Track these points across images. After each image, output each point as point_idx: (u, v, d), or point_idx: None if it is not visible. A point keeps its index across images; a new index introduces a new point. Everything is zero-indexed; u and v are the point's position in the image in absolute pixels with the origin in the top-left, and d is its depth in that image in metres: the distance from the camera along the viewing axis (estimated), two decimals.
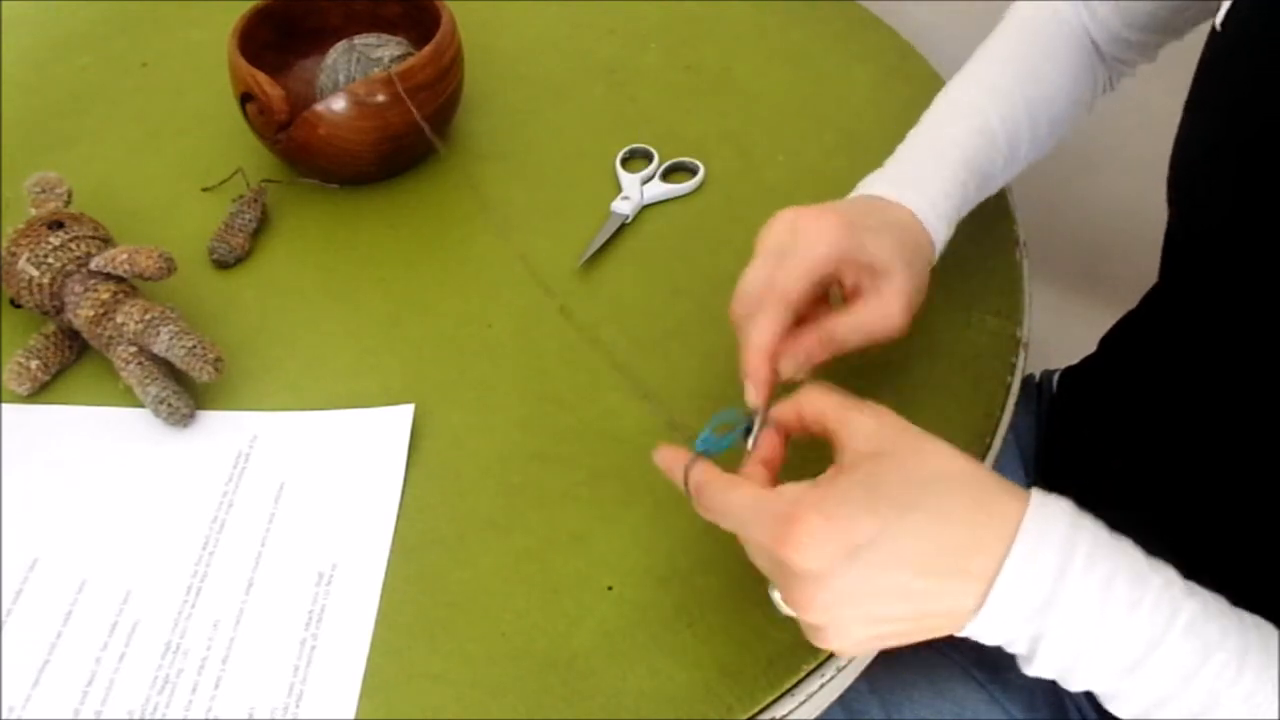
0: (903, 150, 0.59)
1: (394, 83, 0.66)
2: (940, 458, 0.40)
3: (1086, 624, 0.38)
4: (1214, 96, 0.50)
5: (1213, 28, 0.50)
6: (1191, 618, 0.38)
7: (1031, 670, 0.40)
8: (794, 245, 0.49)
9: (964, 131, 0.58)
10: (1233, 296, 0.50)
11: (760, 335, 0.48)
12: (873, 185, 0.56)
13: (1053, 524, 0.38)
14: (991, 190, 0.60)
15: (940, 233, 0.55)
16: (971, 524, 0.38)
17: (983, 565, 0.38)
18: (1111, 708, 0.40)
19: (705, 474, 0.43)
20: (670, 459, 0.45)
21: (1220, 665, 0.37)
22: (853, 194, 0.57)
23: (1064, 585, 0.38)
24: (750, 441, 0.46)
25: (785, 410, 0.45)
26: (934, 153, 0.57)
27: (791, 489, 0.40)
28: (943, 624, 0.39)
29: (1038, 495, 0.39)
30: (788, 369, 0.49)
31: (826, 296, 0.52)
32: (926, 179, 0.56)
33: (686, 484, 0.43)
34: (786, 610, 0.41)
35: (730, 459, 0.45)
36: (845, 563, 0.38)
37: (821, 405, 0.43)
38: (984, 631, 0.39)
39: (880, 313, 0.50)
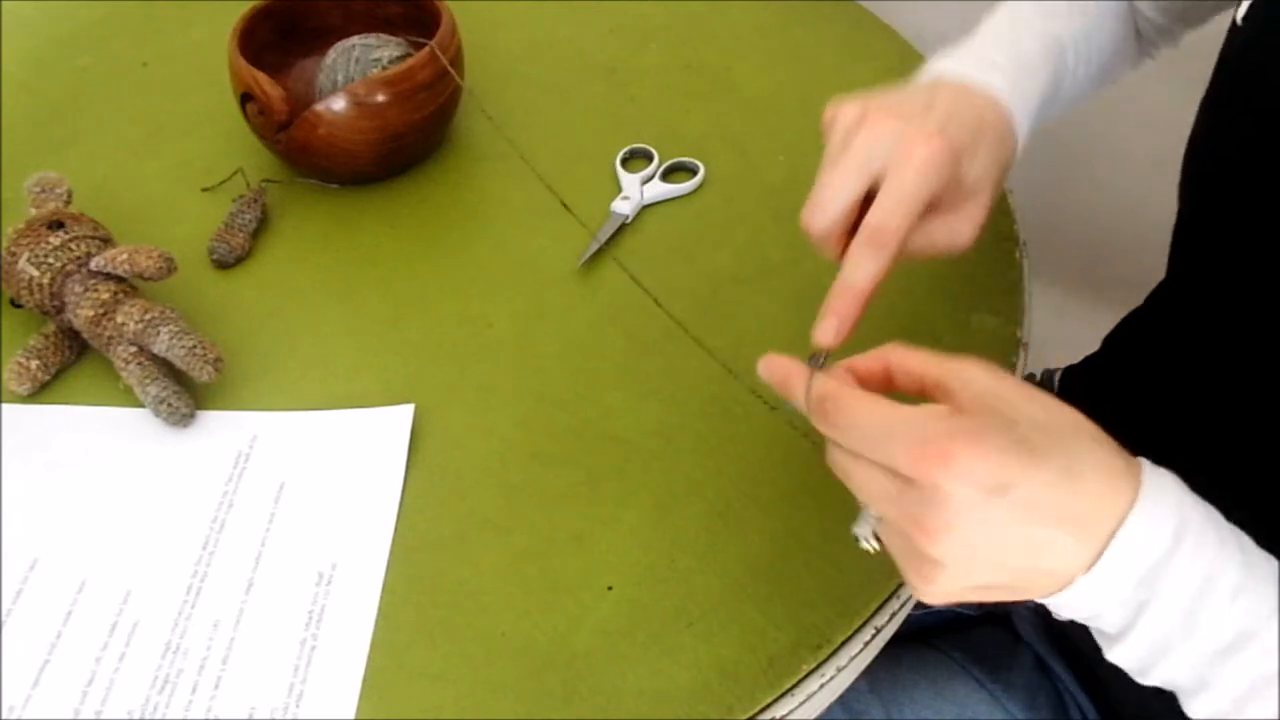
0: (989, 37, 0.56)
1: (394, 83, 0.66)
2: (1060, 409, 0.38)
3: (1192, 598, 0.36)
4: (1233, 92, 0.50)
5: (1233, 22, 0.50)
6: None
7: (1117, 651, 0.38)
8: (898, 171, 0.45)
9: (1043, 43, 0.55)
10: (1243, 292, 0.50)
11: (862, 278, 0.44)
12: (970, 68, 0.52)
13: (1168, 493, 0.37)
14: (1056, 108, 0.58)
15: (1024, 123, 0.52)
16: (1098, 480, 0.36)
17: (1103, 523, 0.36)
18: (1192, 707, 0.38)
19: (832, 386, 0.39)
20: (783, 370, 0.41)
21: None
22: (942, 71, 0.53)
23: (1178, 553, 0.36)
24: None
25: (864, 364, 0.42)
26: (1020, 53, 0.54)
27: (935, 413, 0.36)
28: (1047, 583, 0.38)
29: (1148, 463, 0.38)
30: (824, 338, 0.45)
31: None
32: (1022, 79, 0.52)
33: (807, 396, 0.40)
34: (869, 545, 0.39)
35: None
36: (990, 499, 0.35)
37: (918, 360, 0.40)
38: (1086, 594, 0.37)
39: (951, 229, 0.48)
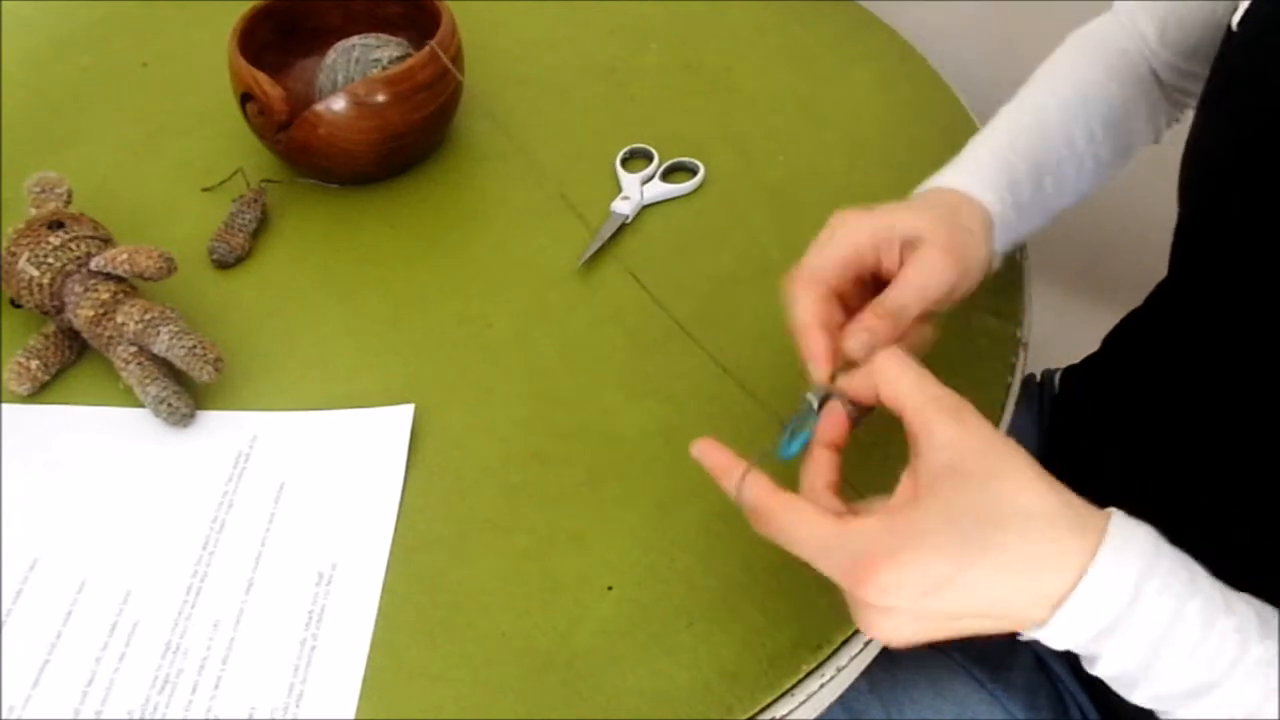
0: (958, 159, 0.59)
1: (394, 83, 0.66)
2: (1022, 489, 0.38)
3: (1143, 656, 0.38)
4: (1229, 95, 0.50)
5: (1228, 27, 0.50)
6: (1256, 661, 0.37)
7: (1091, 670, 0.41)
8: (829, 238, 0.50)
9: (1008, 118, 0.58)
10: (1243, 293, 0.50)
11: (800, 313, 0.47)
12: (943, 179, 0.56)
13: (1129, 558, 0.38)
14: (1058, 182, 0.59)
15: (986, 194, 0.54)
16: (1047, 565, 0.38)
17: (1050, 594, 0.38)
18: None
19: (761, 494, 0.41)
20: (715, 463, 0.43)
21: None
22: (921, 188, 0.57)
23: (1128, 619, 0.38)
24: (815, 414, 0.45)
25: (858, 384, 0.44)
26: (979, 140, 0.58)
27: (861, 528, 0.38)
28: (1005, 629, 0.39)
29: (1118, 526, 0.38)
30: (854, 348, 0.47)
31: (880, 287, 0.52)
32: (964, 157, 0.56)
33: (739, 498, 0.42)
34: None
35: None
36: (918, 601, 0.37)
37: (899, 400, 0.41)
38: (1048, 639, 0.39)
39: (925, 267, 0.49)
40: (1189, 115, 0.64)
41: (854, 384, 0.44)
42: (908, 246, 0.50)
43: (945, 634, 0.39)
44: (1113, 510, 0.39)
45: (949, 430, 0.39)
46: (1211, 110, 0.52)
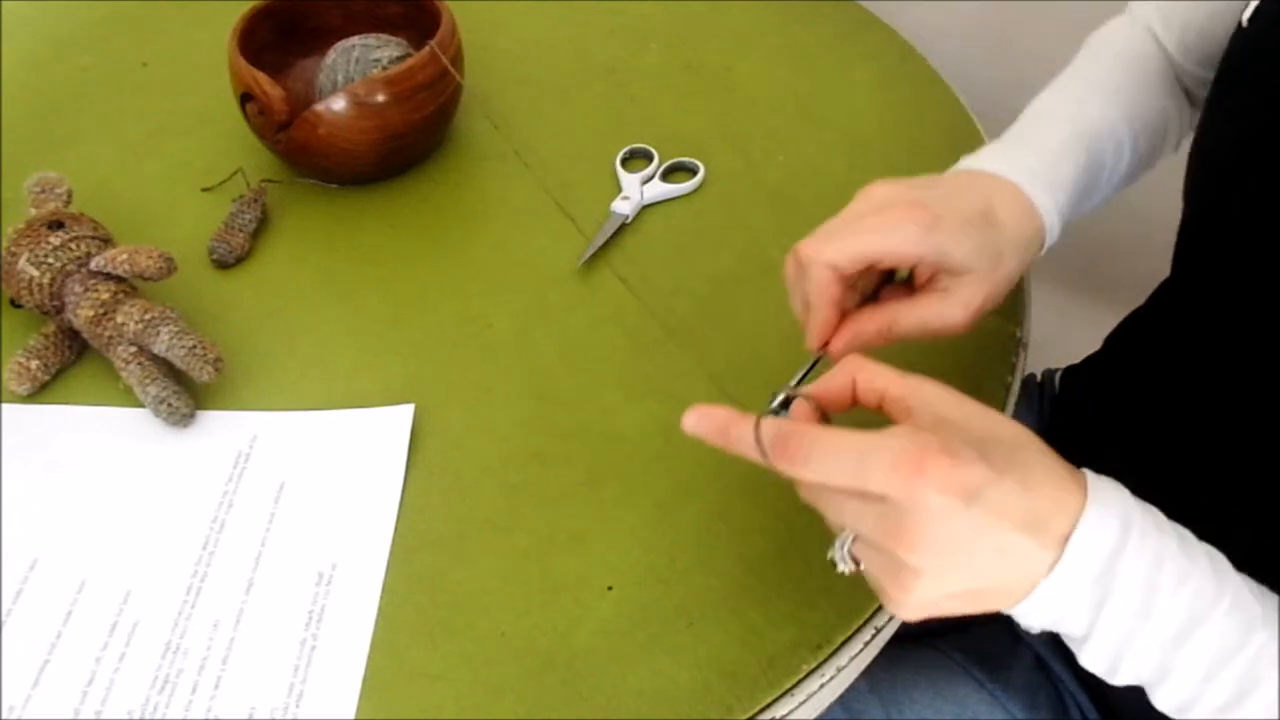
0: (1014, 134, 0.57)
1: (394, 83, 0.66)
2: (1009, 425, 0.40)
3: (1143, 589, 0.38)
4: (1238, 93, 0.50)
5: (1238, 25, 0.50)
6: (1236, 594, 0.39)
7: (1085, 654, 0.40)
8: (870, 221, 0.48)
9: (1074, 123, 0.56)
10: (1247, 293, 0.50)
11: (815, 295, 0.48)
12: (988, 160, 0.54)
13: (1112, 495, 0.39)
14: (1098, 195, 0.58)
15: (1050, 214, 0.52)
16: (1052, 488, 0.39)
17: (1059, 525, 0.38)
18: (1158, 698, 0.40)
19: (788, 423, 0.40)
20: (719, 420, 0.41)
21: (1261, 645, 0.38)
22: (959, 166, 0.55)
23: (1126, 548, 0.38)
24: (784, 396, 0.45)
25: (831, 385, 0.43)
26: (1047, 136, 0.56)
27: (900, 431, 0.38)
28: (1015, 588, 0.39)
29: (1090, 472, 0.40)
30: (837, 347, 0.48)
31: (893, 273, 0.52)
32: (1041, 158, 0.54)
33: (758, 441, 0.40)
34: (846, 566, 0.41)
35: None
36: (965, 505, 0.36)
37: (880, 378, 0.41)
38: (1049, 598, 0.39)
39: (941, 312, 0.49)
40: None
41: (826, 386, 0.43)
42: (944, 271, 0.49)
43: (969, 572, 0.38)
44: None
45: (934, 390, 0.40)
46: (1218, 108, 0.52)
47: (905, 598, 0.39)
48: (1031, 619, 0.40)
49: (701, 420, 0.42)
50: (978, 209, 0.50)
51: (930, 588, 0.38)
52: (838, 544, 0.41)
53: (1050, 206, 0.52)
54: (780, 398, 0.45)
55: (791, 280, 0.50)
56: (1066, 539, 0.38)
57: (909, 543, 0.37)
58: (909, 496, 0.36)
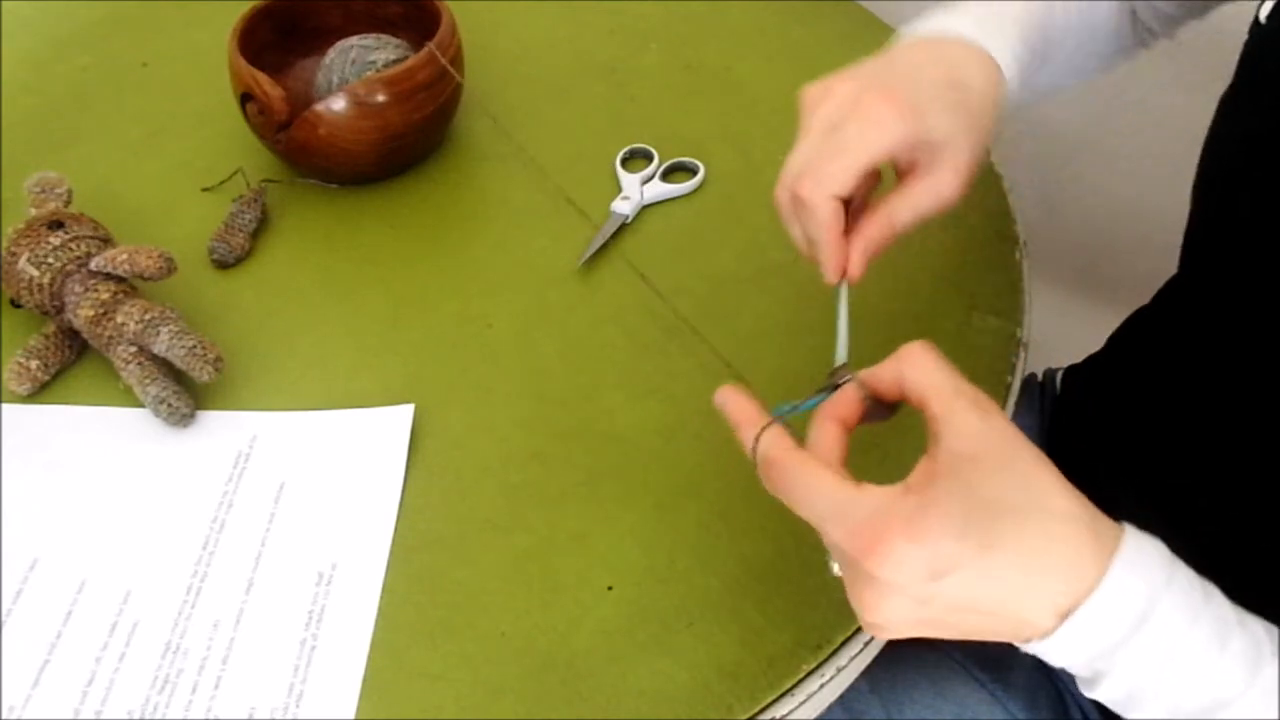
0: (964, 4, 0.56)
1: (394, 83, 0.66)
2: (1044, 486, 0.37)
3: (1153, 674, 0.37)
4: (1256, 90, 0.50)
5: (1255, 20, 0.49)
6: (1268, 682, 0.36)
7: (1090, 693, 0.39)
8: (853, 130, 0.46)
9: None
10: (1256, 292, 0.50)
11: (821, 229, 0.46)
12: (936, 22, 0.53)
13: (1138, 573, 0.36)
14: (1047, 65, 0.57)
15: (1010, 69, 0.51)
16: (1062, 567, 0.36)
17: (1058, 602, 0.36)
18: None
19: (778, 449, 0.39)
20: (738, 412, 0.41)
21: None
22: (911, 31, 0.54)
23: (1138, 636, 0.36)
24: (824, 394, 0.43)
25: (883, 374, 0.41)
26: (994, 5, 0.55)
27: (877, 495, 0.36)
28: (1005, 637, 0.38)
29: (1132, 540, 0.37)
30: (856, 271, 0.47)
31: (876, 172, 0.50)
32: (995, 21, 0.53)
33: (754, 451, 0.40)
34: (838, 571, 0.40)
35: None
36: (924, 584, 0.36)
37: (925, 386, 0.39)
38: (1041, 653, 0.38)
39: (934, 189, 0.48)
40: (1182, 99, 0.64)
41: (878, 374, 0.41)
42: (925, 149, 0.48)
43: (943, 630, 0.37)
44: (1126, 525, 0.38)
45: (973, 420, 0.37)
46: (1233, 106, 0.51)
47: (873, 631, 0.38)
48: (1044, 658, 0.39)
49: (728, 403, 0.42)
50: (946, 79, 0.49)
51: (895, 633, 0.38)
52: (828, 559, 0.40)
53: (1010, 61, 0.52)
54: (836, 379, 0.43)
55: (788, 217, 0.49)
56: (1066, 616, 0.36)
57: (866, 605, 0.37)
58: (861, 565, 0.36)
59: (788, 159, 0.48)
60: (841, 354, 0.46)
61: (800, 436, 0.40)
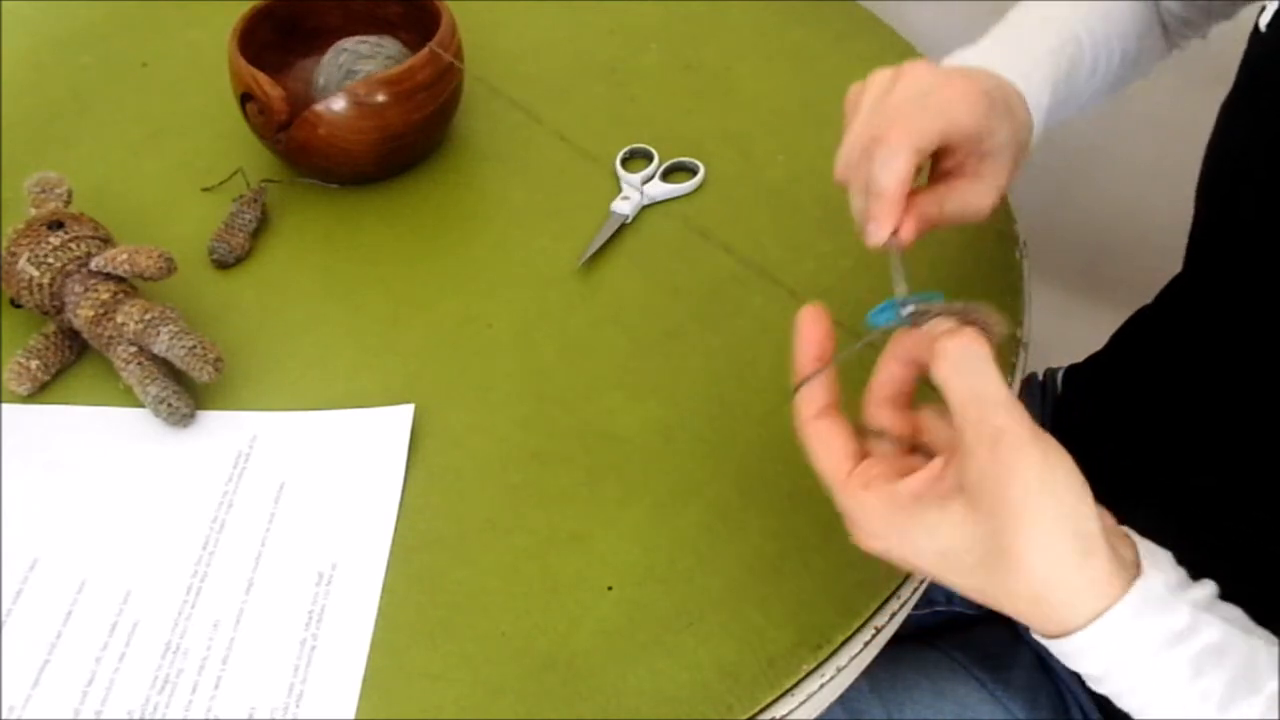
0: (1001, 37, 0.57)
1: (394, 83, 0.66)
2: (1030, 547, 0.36)
3: (1159, 698, 0.38)
4: (1255, 96, 0.50)
5: (1255, 27, 0.50)
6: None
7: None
8: (944, 98, 0.46)
9: (1056, 38, 0.56)
10: (1259, 293, 0.50)
11: (890, 179, 0.44)
12: (984, 61, 0.53)
13: (1130, 636, 0.37)
14: (1069, 107, 0.58)
15: (1038, 125, 0.53)
16: (1037, 622, 0.38)
17: (1049, 629, 0.38)
18: None
19: (805, 413, 0.42)
20: (802, 343, 0.42)
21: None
22: (956, 62, 0.54)
23: (1130, 668, 0.38)
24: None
25: (923, 341, 0.40)
26: (1032, 48, 0.55)
27: (862, 498, 0.40)
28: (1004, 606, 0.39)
29: (1134, 600, 0.37)
30: (908, 234, 0.46)
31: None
32: (1031, 70, 0.53)
33: (795, 389, 0.42)
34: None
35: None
36: (901, 558, 0.40)
37: (950, 397, 0.38)
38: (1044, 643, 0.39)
39: (979, 193, 0.48)
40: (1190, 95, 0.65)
41: (920, 338, 0.41)
42: (977, 155, 0.48)
43: (933, 578, 0.40)
44: (1141, 581, 0.37)
45: (982, 456, 0.36)
46: (1234, 112, 0.52)
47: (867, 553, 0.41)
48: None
49: (802, 325, 0.43)
50: (1003, 97, 0.50)
51: (902, 566, 0.41)
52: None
53: (1040, 112, 0.52)
54: (916, 310, 0.43)
55: (853, 168, 0.47)
56: (1060, 637, 0.38)
57: (861, 547, 0.41)
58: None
59: (865, 115, 0.47)
60: (901, 289, 0.45)
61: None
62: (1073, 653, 0.38)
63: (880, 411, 0.42)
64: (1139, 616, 0.37)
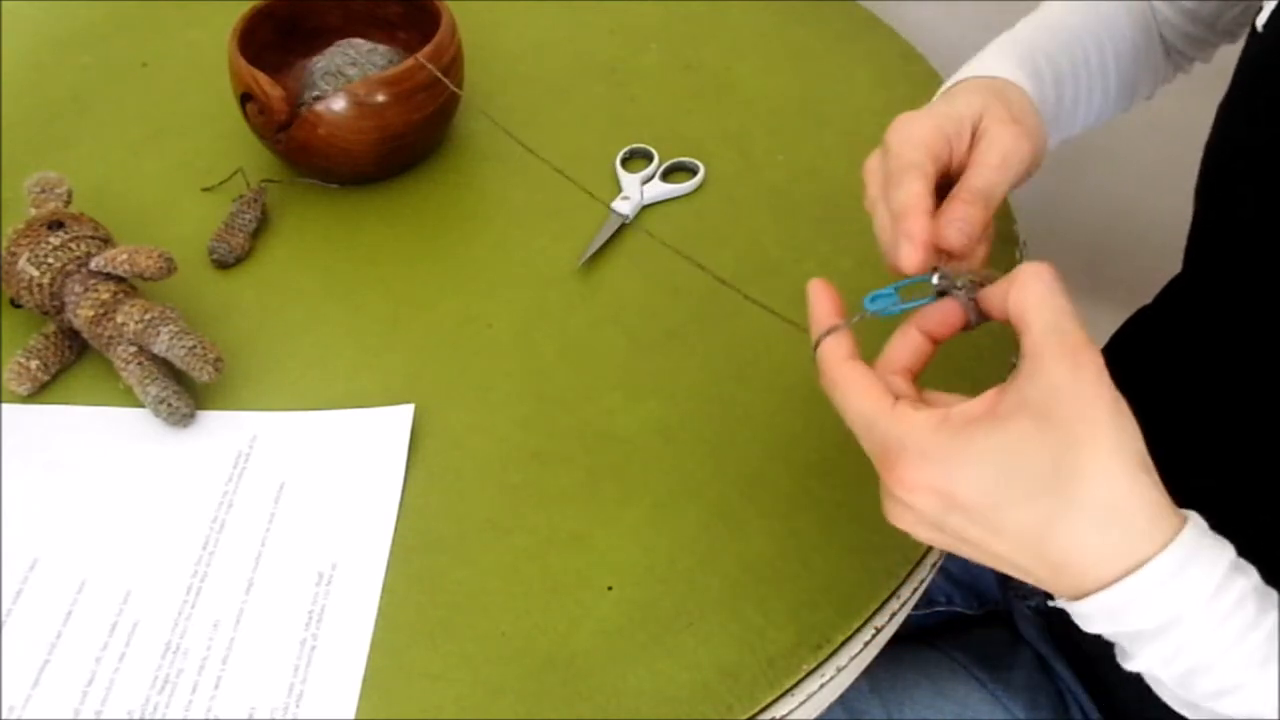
0: (999, 49, 0.56)
1: (394, 83, 0.66)
2: (1099, 469, 0.35)
3: (1178, 669, 0.37)
4: (1252, 97, 0.50)
5: (1252, 28, 0.50)
6: None
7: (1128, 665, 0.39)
8: (903, 140, 0.46)
9: (1030, 27, 0.57)
10: (1258, 293, 0.50)
11: (907, 197, 0.43)
12: (984, 72, 0.53)
13: (1157, 598, 0.36)
14: (1072, 102, 0.57)
15: (1024, 83, 0.51)
16: (1082, 561, 0.36)
17: (1085, 583, 0.36)
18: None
19: (831, 359, 0.40)
20: (818, 306, 0.42)
21: None
22: (960, 78, 0.54)
23: (1164, 635, 0.36)
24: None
25: (994, 291, 0.41)
26: (1002, 42, 0.56)
27: (908, 420, 0.37)
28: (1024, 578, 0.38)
29: (1164, 564, 0.35)
30: (955, 238, 0.43)
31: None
32: (990, 53, 0.54)
33: (816, 344, 0.41)
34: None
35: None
36: (937, 514, 0.37)
37: (1029, 314, 0.38)
38: (1072, 613, 0.38)
39: (1000, 143, 0.46)
40: (1194, 99, 0.65)
41: (990, 295, 0.41)
42: (968, 133, 0.47)
43: (962, 554, 0.38)
44: (1185, 533, 0.36)
45: (1060, 373, 0.36)
46: (1232, 113, 0.52)
47: (893, 523, 0.39)
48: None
49: (813, 293, 0.43)
50: (967, 86, 0.50)
51: (921, 540, 0.39)
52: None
53: (1030, 87, 0.52)
54: (942, 284, 0.42)
55: (878, 187, 0.46)
56: (1085, 596, 0.36)
57: (890, 517, 0.39)
58: (882, 479, 0.38)
59: (876, 176, 0.47)
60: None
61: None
62: (1140, 591, 0.35)
63: (894, 380, 0.41)
64: (1200, 549, 0.36)
